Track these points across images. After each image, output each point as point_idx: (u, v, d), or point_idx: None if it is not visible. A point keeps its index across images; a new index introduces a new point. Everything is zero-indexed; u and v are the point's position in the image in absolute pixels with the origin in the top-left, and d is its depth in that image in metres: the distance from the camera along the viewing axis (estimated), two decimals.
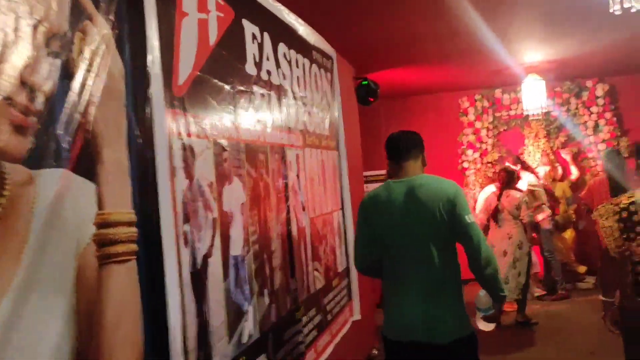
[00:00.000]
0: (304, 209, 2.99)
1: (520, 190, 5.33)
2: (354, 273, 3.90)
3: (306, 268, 2.93)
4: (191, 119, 1.84)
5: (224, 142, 2.06)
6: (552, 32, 4.68)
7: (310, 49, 3.38)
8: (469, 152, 7.16)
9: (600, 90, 6.80)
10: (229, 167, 2.09)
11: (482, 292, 2.44)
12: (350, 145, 4.39)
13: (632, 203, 2.39)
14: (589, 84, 6.86)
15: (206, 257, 1.85)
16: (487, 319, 2.54)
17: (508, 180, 5.16)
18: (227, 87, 2.13)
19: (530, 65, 5.70)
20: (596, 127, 6.83)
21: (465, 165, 7.20)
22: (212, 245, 1.90)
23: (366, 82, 4.93)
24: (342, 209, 3.91)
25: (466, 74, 6.16)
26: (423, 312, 2.26)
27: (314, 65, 3.42)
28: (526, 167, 6.19)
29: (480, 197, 5.47)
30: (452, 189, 2.30)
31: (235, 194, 2.13)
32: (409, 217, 2.31)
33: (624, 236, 2.38)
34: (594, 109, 6.83)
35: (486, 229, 5.20)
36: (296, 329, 2.64)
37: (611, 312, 2.53)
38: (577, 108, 6.89)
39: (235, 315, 2.03)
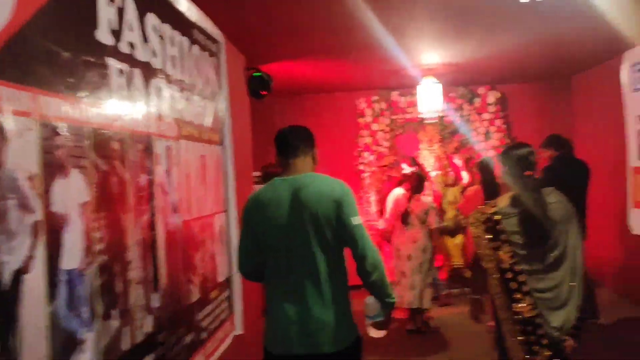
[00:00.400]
0: (175, 211, 2.56)
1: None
2: (237, 282, 3.51)
3: (176, 280, 2.50)
4: (4, 88, 1.37)
5: (58, 123, 1.61)
6: (449, 33, 4.60)
7: (191, 26, 2.95)
8: (366, 154, 7.03)
9: (491, 98, 6.94)
10: (64, 157, 1.63)
11: (370, 299, 2.31)
12: (239, 141, 4.01)
13: (496, 212, 2.46)
14: (481, 90, 6.98)
15: (20, 273, 1.39)
16: (376, 326, 2.39)
17: (418, 184, 5.06)
18: (65, 54, 1.67)
19: (427, 68, 5.64)
20: (487, 134, 6.96)
21: (362, 167, 7.05)
22: (30, 257, 1.44)
23: (259, 74, 4.58)
24: (226, 211, 3.51)
25: (363, 73, 5.99)
26: (307, 320, 2.13)
27: (195, 47, 3.00)
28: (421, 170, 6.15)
29: (389, 199, 5.30)
30: (340, 189, 2.18)
31: (73, 191, 1.67)
32: (293, 218, 2.14)
33: (491, 244, 2.43)
34: (486, 115, 6.96)
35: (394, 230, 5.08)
36: (158, 354, 2.21)
37: (474, 307, 2.75)
38: (469, 114, 6.98)
39: (65, 346, 1.57)
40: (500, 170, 2.61)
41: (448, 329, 5.15)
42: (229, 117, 3.65)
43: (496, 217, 2.44)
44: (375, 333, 2.42)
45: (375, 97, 7.03)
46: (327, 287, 2.14)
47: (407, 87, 6.77)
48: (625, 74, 5.17)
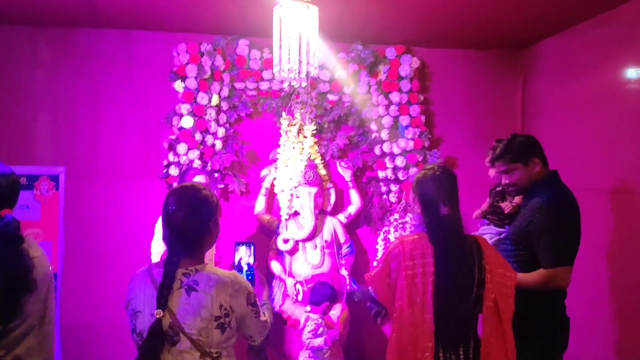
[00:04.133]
0: None
1: None
2: None
3: None
4: None
5: None
6: None
7: None
8: (182, 147, 3.86)
9: (406, 67, 4.08)
10: None
11: None
12: None
13: None
14: (390, 53, 4.10)
15: None
16: None
17: None
18: None
19: None
20: (395, 127, 4.09)
21: (174, 171, 3.86)
22: None
23: None
24: None
25: None
26: None
27: None
28: None
29: None
30: None
31: None
32: None
33: None
34: (395, 96, 4.08)
35: None
36: None
37: None
38: (369, 91, 4.08)
39: None
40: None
41: None
42: None
43: None
44: None
45: (207, 45, 3.89)
46: None
47: (263, 34, 3.70)
48: None
